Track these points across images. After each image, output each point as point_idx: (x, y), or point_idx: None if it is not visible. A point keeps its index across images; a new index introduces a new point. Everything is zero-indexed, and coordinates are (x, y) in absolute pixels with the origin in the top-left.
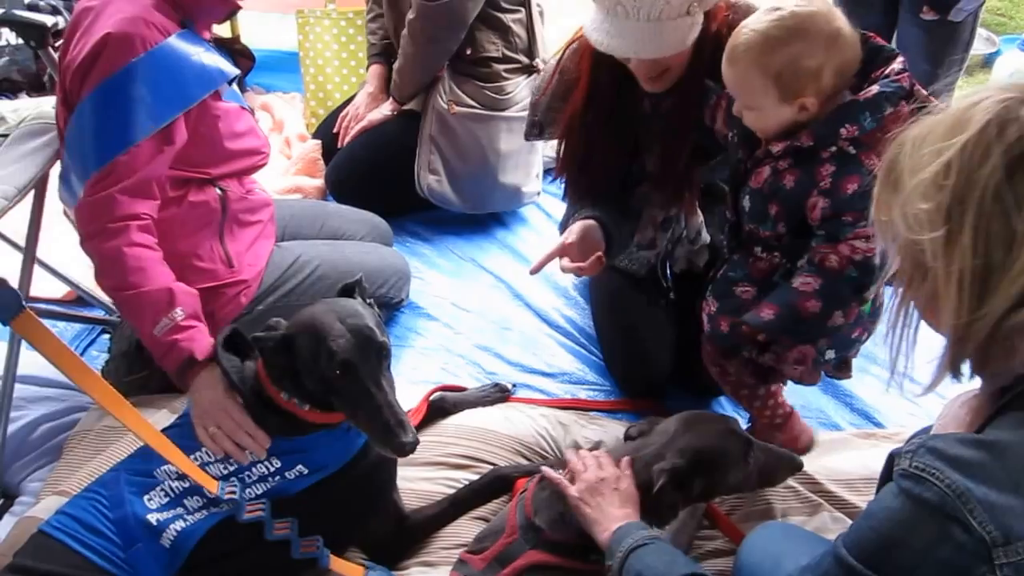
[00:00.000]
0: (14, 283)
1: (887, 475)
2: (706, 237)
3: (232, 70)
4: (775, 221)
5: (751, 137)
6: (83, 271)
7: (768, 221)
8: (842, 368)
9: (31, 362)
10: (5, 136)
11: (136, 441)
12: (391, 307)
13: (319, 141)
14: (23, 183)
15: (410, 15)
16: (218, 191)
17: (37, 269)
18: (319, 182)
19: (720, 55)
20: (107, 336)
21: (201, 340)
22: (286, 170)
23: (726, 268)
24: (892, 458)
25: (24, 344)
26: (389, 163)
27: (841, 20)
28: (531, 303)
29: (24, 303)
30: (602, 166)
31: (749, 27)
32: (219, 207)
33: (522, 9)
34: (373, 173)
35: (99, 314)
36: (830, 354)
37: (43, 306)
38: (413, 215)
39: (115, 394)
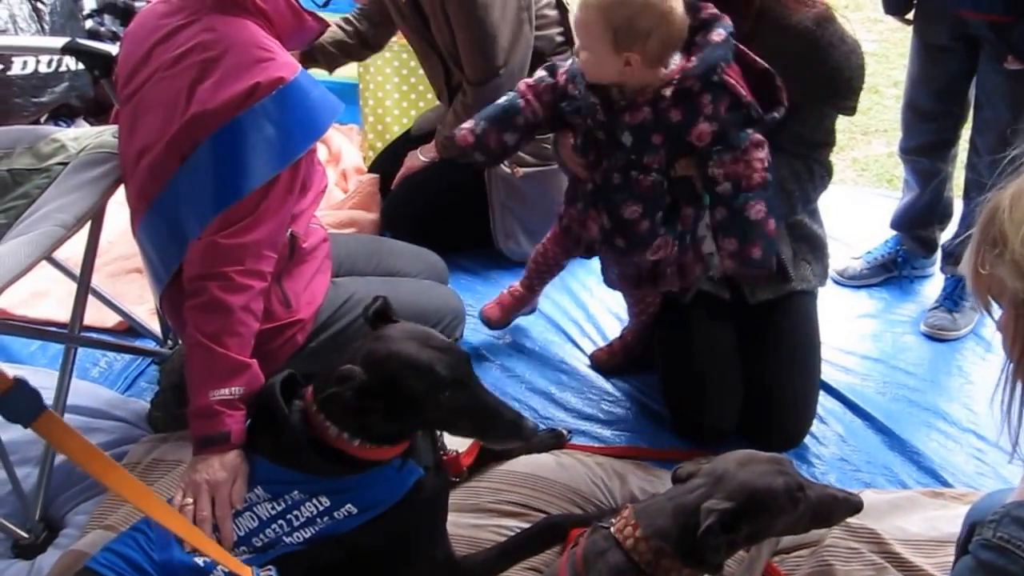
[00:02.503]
0: (67, 311)
1: (966, 543)
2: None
3: (337, 100)
4: (658, 149)
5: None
6: (135, 301)
7: (651, 150)
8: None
9: (81, 392)
10: (65, 164)
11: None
12: None
13: (376, 176)
14: (82, 212)
15: (463, 98)
16: (288, 234)
17: (90, 297)
18: (375, 216)
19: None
20: (156, 367)
21: (240, 424)
22: (342, 203)
23: (611, 194)
24: (973, 527)
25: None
26: (446, 200)
27: (676, 5)
28: (584, 346)
29: (44, 404)
30: None
31: None
32: (287, 252)
33: (568, 49)
34: (430, 209)
35: (149, 345)
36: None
37: (94, 335)
38: (469, 252)
39: (143, 488)
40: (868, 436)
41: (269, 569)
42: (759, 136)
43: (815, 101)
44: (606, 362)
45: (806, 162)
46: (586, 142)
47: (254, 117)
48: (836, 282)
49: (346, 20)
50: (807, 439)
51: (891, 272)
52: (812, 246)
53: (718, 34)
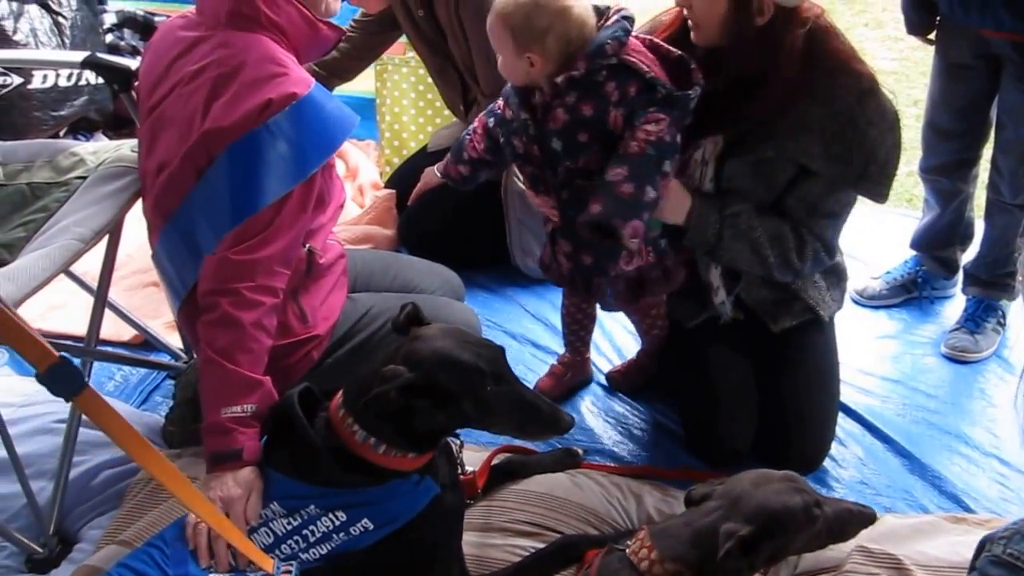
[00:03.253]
0: (84, 324)
1: (976, 559)
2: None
3: (353, 114)
4: (588, 147)
5: (525, 92)
6: (151, 314)
7: (582, 149)
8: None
9: None
10: (84, 178)
11: None
12: None
13: (393, 191)
14: (100, 226)
15: (477, 111)
16: (305, 249)
17: (106, 311)
18: (391, 232)
19: (763, 53)
20: (171, 381)
21: (254, 441)
22: (358, 218)
23: (564, 209)
24: (983, 544)
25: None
26: (463, 216)
27: (575, 2)
28: (604, 366)
29: (87, 380)
30: None
31: None
32: (304, 267)
33: None
34: (446, 225)
35: (164, 359)
36: (663, 242)
37: (110, 349)
38: (485, 269)
39: (176, 472)
40: (888, 459)
41: (290, 566)
42: (658, 114)
43: (844, 181)
44: (621, 382)
45: (798, 230)
46: (532, 171)
47: (267, 133)
48: (855, 302)
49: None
50: (826, 462)
51: (911, 292)
52: (830, 271)
53: (610, 21)
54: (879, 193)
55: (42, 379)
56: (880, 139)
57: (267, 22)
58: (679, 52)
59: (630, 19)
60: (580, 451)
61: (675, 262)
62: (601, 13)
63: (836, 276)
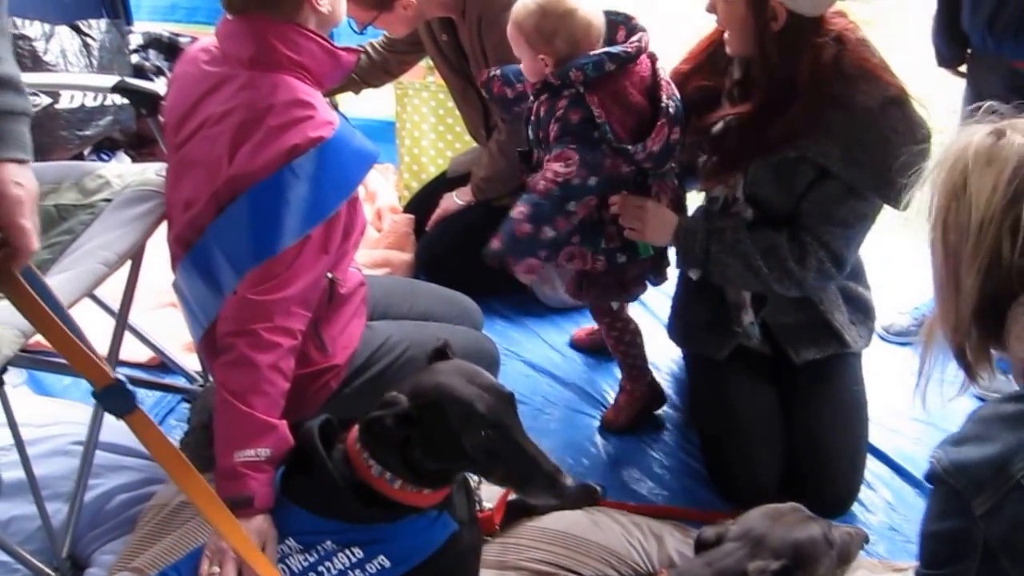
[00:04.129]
0: (99, 343)
1: None
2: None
3: (375, 148)
4: (539, 143)
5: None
6: (168, 335)
7: (536, 143)
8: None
9: (112, 427)
10: (109, 200)
11: None
12: None
13: (412, 216)
14: (124, 250)
15: (498, 136)
16: (327, 278)
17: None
18: (409, 257)
19: (786, 61)
20: (187, 405)
21: (266, 488)
22: (376, 242)
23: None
24: None
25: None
26: (481, 243)
27: (574, 3)
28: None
29: (137, 402)
30: None
31: (520, 2)
32: (326, 297)
33: None
34: (465, 252)
35: (181, 382)
36: (621, 257)
37: (127, 371)
38: (503, 297)
39: (214, 496)
40: (919, 504)
41: None
42: (568, 152)
43: (864, 186)
44: (614, 421)
45: (799, 238)
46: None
47: (291, 175)
48: (882, 338)
49: (371, 46)
50: (854, 506)
51: None
52: (856, 307)
53: (597, 50)
54: (896, 199)
55: (98, 396)
56: (904, 148)
57: (288, 62)
58: (661, 95)
59: (616, 56)
60: (599, 488)
61: (635, 276)
62: (618, 24)
63: (863, 312)
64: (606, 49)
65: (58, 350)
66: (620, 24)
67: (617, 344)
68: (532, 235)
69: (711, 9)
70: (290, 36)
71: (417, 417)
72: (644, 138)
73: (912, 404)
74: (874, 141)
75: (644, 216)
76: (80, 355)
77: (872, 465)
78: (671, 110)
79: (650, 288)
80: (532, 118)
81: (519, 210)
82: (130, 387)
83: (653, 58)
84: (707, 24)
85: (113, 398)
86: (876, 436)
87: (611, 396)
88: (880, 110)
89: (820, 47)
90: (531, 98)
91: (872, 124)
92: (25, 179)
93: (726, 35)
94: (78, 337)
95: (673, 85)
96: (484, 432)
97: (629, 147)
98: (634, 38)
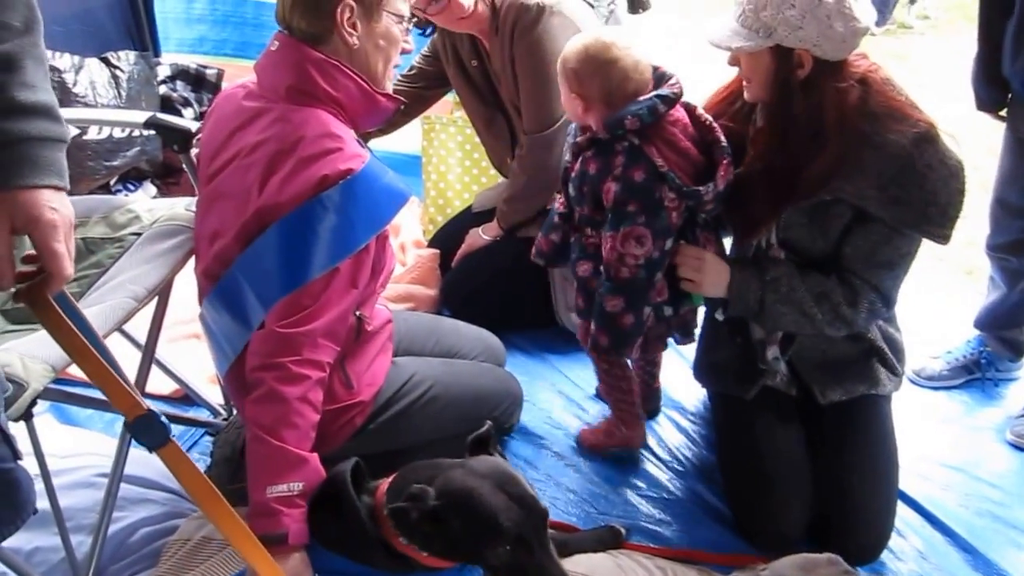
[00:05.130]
0: (131, 378)
1: None
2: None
3: (407, 189)
4: (585, 199)
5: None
6: (191, 367)
7: (582, 200)
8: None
9: (135, 460)
10: (138, 234)
11: (235, 557)
12: (501, 432)
13: (437, 251)
14: (152, 285)
15: (519, 151)
16: (355, 315)
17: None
18: (433, 292)
19: (812, 108)
20: (210, 439)
21: (300, 523)
22: (400, 276)
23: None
24: None
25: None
26: (506, 279)
27: (620, 53)
28: (650, 440)
29: (170, 434)
30: None
31: (573, 42)
32: (354, 334)
33: None
34: (490, 288)
35: (204, 415)
36: (668, 311)
37: (151, 404)
38: (527, 332)
39: (247, 531)
40: (949, 553)
41: None
42: (638, 229)
43: (904, 224)
44: (588, 440)
45: (848, 281)
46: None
47: (320, 207)
48: (913, 382)
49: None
50: (883, 554)
51: (973, 374)
52: (888, 349)
53: (646, 95)
54: (940, 235)
55: (129, 428)
56: (941, 183)
57: (325, 96)
58: (718, 136)
59: (666, 98)
60: (622, 530)
61: (659, 334)
62: (662, 78)
63: (894, 354)
64: (655, 93)
65: (91, 379)
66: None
67: (610, 391)
68: (636, 322)
69: (733, 62)
70: (329, 70)
71: (442, 516)
72: (700, 183)
73: (942, 449)
74: (910, 178)
75: (703, 268)
76: (113, 384)
77: (902, 511)
78: (728, 149)
79: None
80: (573, 175)
81: (613, 303)
82: (163, 419)
83: (690, 107)
84: (721, 73)
85: (145, 430)
86: (906, 482)
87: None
88: (912, 146)
89: (845, 91)
90: (568, 157)
91: (906, 161)
92: (61, 204)
93: (745, 83)
94: (112, 367)
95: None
96: (506, 547)
97: (700, 189)
98: (672, 80)
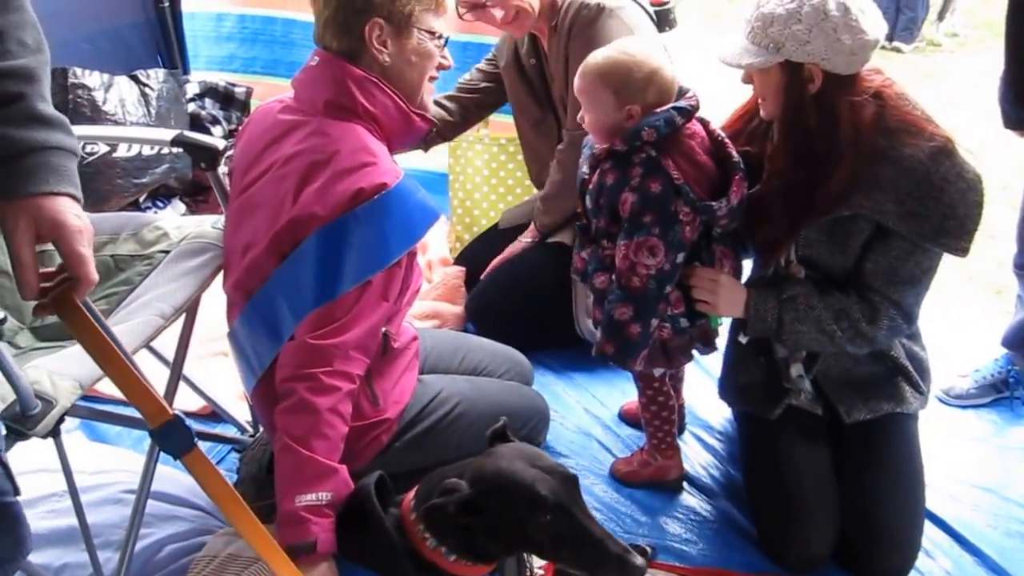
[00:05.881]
0: (160, 393)
1: None
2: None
3: (437, 207)
4: (601, 211)
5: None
6: (219, 384)
7: (599, 212)
8: (706, 340)
9: (163, 477)
10: (166, 252)
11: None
12: None
13: (463, 268)
14: (180, 302)
15: (560, 148)
16: (381, 333)
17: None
18: (459, 309)
19: (826, 122)
20: (236, 455)
21: (328, 532)
22: (426, 294)
23: (587, 263)
24: None
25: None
26: (532, 296)
27: (657, 65)
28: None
29: (195, 440)
30: None
31: (599, 54)
32: (380, 350)
33: None
34: (515, 305)
35: (231, 432)
36: (684, 323)
37: None
38: (553, 350)
39: (270, 540)
40: (979, 574)
41: None
42: (652, 240)
43: (923, 238)
44: (621, 471)
45: (868, 299)
46: (582, 224)
47: (355, 221)
48: (941, 401)
49: (447, 97)
50: (911, 574)
51: (1002, 392)
52: (914, 368)
53: (662, 108)
54: (959, 248)
55: (155, 434)
56: (959, 196)
57: (363, 112)
58: (731, 151)
59: (683, 110)
60: (649, 549)
61: (680, 345)
62: (679, 91)
63: (919, 372)
64: (672, 105)
65: (116, 383)
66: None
67: (649, 412)
68: (643, 332)
69: (747, 80)
70: (367, 86)
71: (479, 504)
72: (717, 197)
73: (970, 469)
74: (927, 191)
75: (718, 290)
76: (139, 389)
77: (931, 532)
78: (742, 164)
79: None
80: (591, 187)
81: (622, 311)
82: (188, 424)
83: (704, 121)
84: (735, 94)
85: (170, 437)
86: (934, 502)
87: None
88: (929, 160)
89: (859, 105)
90: (586, 168)
91: (923, 175)
92: (82, 214)
93: (760, 100)
94: (138, 373)
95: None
96: (547, 516)
97: (713, 204)
98: (689, 93)
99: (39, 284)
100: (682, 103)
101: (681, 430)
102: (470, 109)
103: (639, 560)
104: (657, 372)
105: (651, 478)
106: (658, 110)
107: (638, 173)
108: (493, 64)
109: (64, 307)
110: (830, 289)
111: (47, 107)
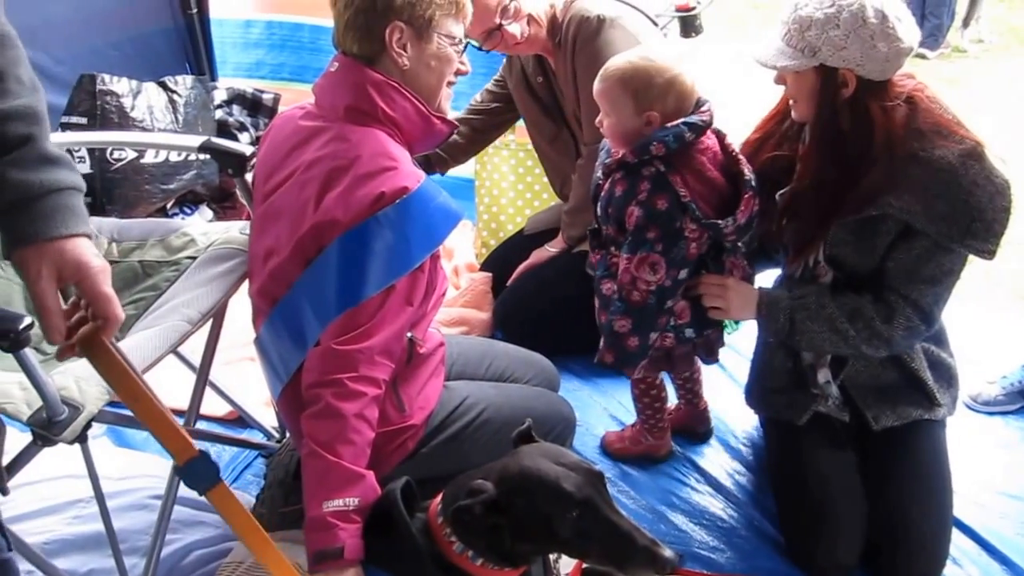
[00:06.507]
0: (180, 397)
1: None
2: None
3: (459, 209)
4: (609, 219)
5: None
6: (246, 389)
7: (607, 220)
8: (709, 351)
9: None
10: (194, 258)
11: None
12: None
13: (489, 274)
14: (207, 308)
15: (579, 162)
16: (407, 338)
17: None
18: (486, 316)
19: (858, 127)
20: (263, 461)
21: (356, 538)
22: (453, 300)
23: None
24: None
25: None
26: (559, 302)
27: (678, 72)
28: (702, 465)
29: (220, 476)
30: None
31: (621, 58)
32: (405, 356)
33: None
34: (542, 311)
35: (258, 437)
36: (689, 332)
37: (205, 425)
38: (579, 356)
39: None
40: None
41: None
42: (653, 256)
43: (949, 239)
44: (612, 445)
45: (884, 298)
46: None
47: (377, 225)
48: (969, 408)
49: (458, 120)
50: None
51: None
52: (940, 374)
53: (673, 122)
54: (985, 251)
55: (180, 471)
56: (987, 200)
57: (383, 117)
58: (743, 168)
59: (694, 125)
60: (677, 555)
61: (684, 354)
62: (696, 104)
63: (946, 379)
64: (683, 119)
65: (144, 422)
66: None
67: (641, 397)
68: (641, 345)
69: (779, 81)
70: (387, 91)
71: (506, 504)
72: (727, 213)
73: (998, 476)
74: (955, 194)
75: (726, 294)
76: (167, 427)
77: (958, 540)
78: (753, 182)
79: (729, 352)
80: (603, 194)
81: (621, 324)
82: (214, 460)
83: (720, 134)
84: (769, 97)
85: (196, 473)
86: (962, 510)
87: (694, 460)
88: (959, 162)
89: (891, 110)
90: (599, 175)
91: (952, 177)
92: (98, 251)
93: (792, 102)
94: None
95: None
96: (574, 512)
97: (720, 222)
98: (703, 107)
99: (66, 326)
100: (694, 118)
101: (708, 435)
102: (481, 131)
103: (668, 552)
104: (659, 378)
105: (641, 454)
106: (668, 124)
107: (646, 188)
108: (501, 84)
109: (92, 348)
110: (845, 291)
111: (53, 147)
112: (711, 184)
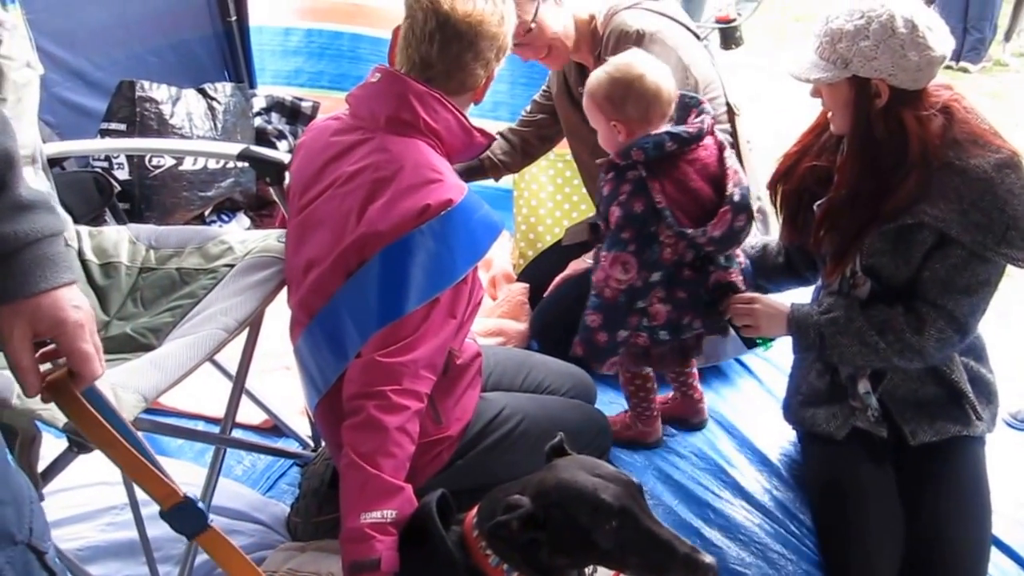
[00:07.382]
0: (216, 404)
1: None
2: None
3: (500, 220)
4: (600, 218)
5: None
6: (281, 399)
7: (599, 218)
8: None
9: (225, 491)
10: (231, 266)
11: None
12: None
13: (526, 285)
14: (244, 316)
15: None
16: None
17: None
18: (523, 326)
19: (893, 136)
20: (298, 469)
21: (392, 550)
22: (491, 311)
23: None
24: None
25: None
26: None
27: (648, 71)
28: (739, 481)
29: (209, 522)
30: None
31: (598, 71)
32: (443, 368)
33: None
34: (577, 321)
35: (293, 446)
36: (663, 334)
37: (240, 433)
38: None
39: None
40: None
41: None
42: (626, 256)
43: (984, 247)
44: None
45: (915, 309)
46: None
47: (422, 238)
48: (1009, 425)
49: (510, 130)
50: None
51: None
52: (979, 389)
53: (659, 129)
54: (1021, 259)
55: (165, 516)
56: (1023, 209)
57: (425, 128)
58: (727, 183)
59: (677, 136)
60: (715, 562)
61: (663, 354)
62: (691, 108)
63: (986, 395)
64: (668, 129)
65: (123, 470)
66: (693, 107)
67: (627, 386)
68: (610, 341)
69: (815, 94)
70: (430, 102)
71: (543, 517)
72: (706, 224)
73: None
74: (991, 202)
75: (756, 312)
76: (147, 475)
77: (998, 559)
78: (736, 198)
79: (766, 364)
80: (603, 193)
81: (592, 318)
82: (201, 505)
83: (721, 147)
84: (809, 112)
85: (182, 518)
86: (1001, 529)
87: (729, 469)
88: (995, 171)
89: (926, 119)
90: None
91: (988, 186)
92: (80, 300)
93: (829, 115)
94: (143, 454)
95: (741, 174)
96: (613, 522)
97: (689, 231)
98: (697, 120)
99: (40, 383)
100: (679, 129)
101: (701, 426)
102: (531, 141)
103: (708, 558)
104: (645, 370)
105: (631, 439)
106: (653, 132)
107: (626, 190)
108: (547, 95)
109: (62, 396)
110: (876, 303)
111: (27, 190)
112: (693, 194)
